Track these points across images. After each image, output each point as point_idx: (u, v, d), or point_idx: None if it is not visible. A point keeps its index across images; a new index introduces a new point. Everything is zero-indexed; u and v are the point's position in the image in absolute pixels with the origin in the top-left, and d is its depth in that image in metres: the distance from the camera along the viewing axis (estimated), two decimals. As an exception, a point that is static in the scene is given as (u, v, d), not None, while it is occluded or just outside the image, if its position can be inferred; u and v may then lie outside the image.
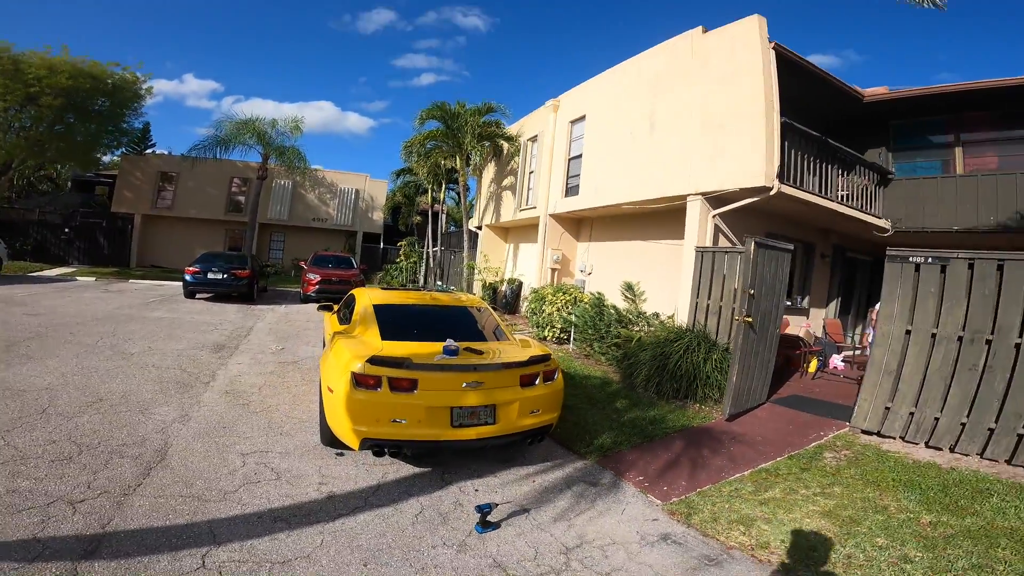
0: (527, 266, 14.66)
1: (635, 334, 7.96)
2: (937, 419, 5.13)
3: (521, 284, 14.54)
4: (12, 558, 2.54)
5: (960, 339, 5.05)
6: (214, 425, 4.65)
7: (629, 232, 10.93)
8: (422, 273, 21.07)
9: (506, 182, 15.62)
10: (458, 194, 18.22)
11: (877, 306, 6.35)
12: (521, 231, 15.75)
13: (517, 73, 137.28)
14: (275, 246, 26.22)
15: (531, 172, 13.88)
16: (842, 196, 8.94)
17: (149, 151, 31.30)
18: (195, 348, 7.69)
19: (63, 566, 2.52)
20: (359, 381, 3.74)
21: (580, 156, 11.51)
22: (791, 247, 6.68)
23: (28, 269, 18.06)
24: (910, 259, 5.40)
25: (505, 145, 15.36)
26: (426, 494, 3.75)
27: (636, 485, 4.28)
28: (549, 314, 10.27)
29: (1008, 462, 4.71)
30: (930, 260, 5.28)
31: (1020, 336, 4.74)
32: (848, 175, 9.05)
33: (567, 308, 10.02)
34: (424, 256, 21.42)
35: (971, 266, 5.04)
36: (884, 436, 5.45)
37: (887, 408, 5.47)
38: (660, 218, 9.67)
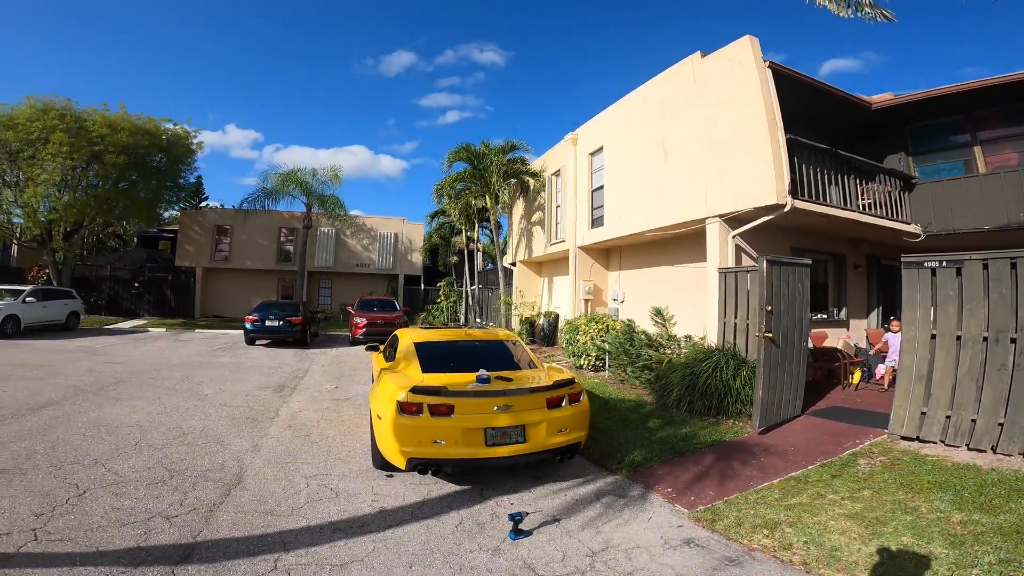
0: (561, 298, 15.04)
1: (665, 356, 8.20)
2: (974, 421, 5.15)
3: (557, 316, 14.89)
4: (121, 563, 3.07)
5: (985, 339, 5.11)
6: (280, 453, 5.24)
7: (656, 258, 11.21)
8: (462, 312, 21.69)
9: (535, 217, 16.20)
10: (491, 231, 18.90)
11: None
12: (554, 264, 16.20)
13: (538, 104, 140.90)
14: (323, 292, 27.57)
15: (557, 206, 14.43)
16: (865, 205, 9.00)
17: (203, 204, 33.23)
18: (259, 389, 8.46)
19: (163, 569, 3.03)
20: (403, 408, 4.24)
21: (602, 187, 11.98)
22: (808, 262, 6.84)
23: (104, 322, 19.77)
24: (925, 264, 5.52)
25: (531, 181, 16.00)
26: (466, 507, 4.14)
27: (664, 496, 4.52)
28: (583, 343, 10.59)
29: None
30: (945, 264, 5.39)
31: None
32: (868, 184, 9.12)
33: (600, 336, 10.32)
34: (463, 295, 22.09)
35: (986, 266, 5.13)
36: (924, 441, 5.47)
37: (923, 413, 5.51)
38: (684, 242, 9.94)
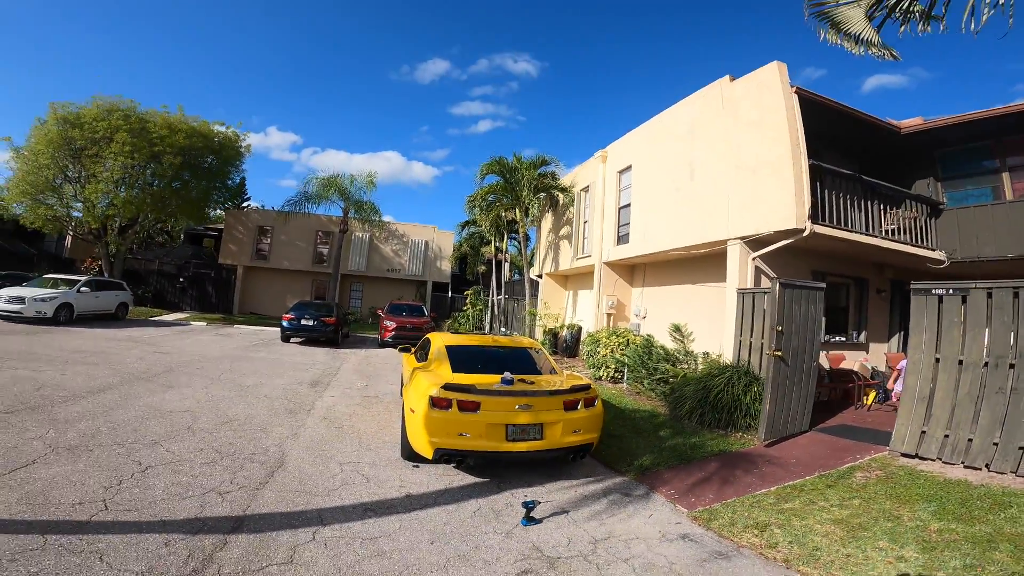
0: (585, 312, 15.37)
1: (680, 371, 8.48)
2: (971, 440, 5.35)
3: (580, 329, 15.20)
4: (181, 531, 3.56)
5: (986, 364, 5.31)
6: (317, 442, 5.77)
7: (679, 276, 11.48)
8: (488, 320, 22.18)
9: (563, 231, 16.60)
10: (519, 243, 19.37)
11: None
12: (579, 278, 16.55)
13: (570, 115, 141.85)
14: (354, 295, 28.48)
15: (585, 221, 14.81)
16: (889, 231, 9.11)
17: (246, 204, 34.46)
18: (295, 383, 9.07)
19: (218, 537, 3.51)
20: (435, 403, 4.71)
21: (629, 205, 12.32)
22: (822, 285, 7.07)
23: (149, 314, 20.91)
24: (933, 291, 5.74)
25: (560, 196, 16.43)
26: (484, 497, 4.56)
27: (667, 497, 4.86)
28: (603, 355, 10.93)
29: None
30: (951, 291, 5.60)
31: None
32: (894, 209, 9.23)
33: (620, 350, 10.65)
34: (489, 304, 22.59)
35: (990, 295, 5.33)
36: (922, 458, 5.68)
37: (923, 432, 5.72)
38: (706, 262, 10.19)
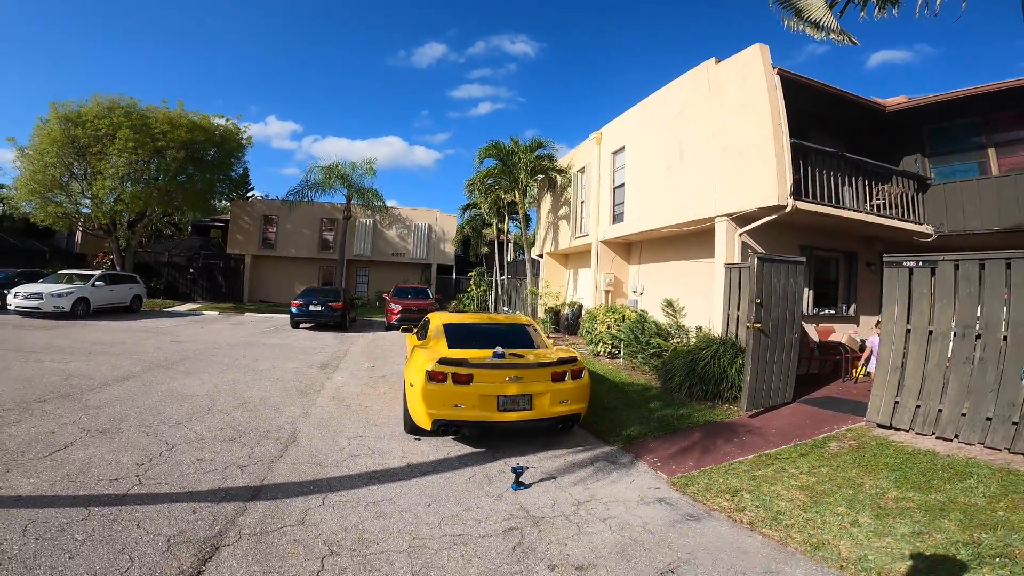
0: (585, 290, 15.72)
1: (671, 345, 8.82)
2: (940, 410, 5.63)
3: (581, 307, 15.56)
4: (207, 500, 3.98)
5: (953, 334, 5.58)
6: (326, 419, 6.21)
7: (673, 253, 11.77)
8: (492, 301, 22.57)
9: (562, 212, 16.86)
10: (520, 224, 19.66)
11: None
12: (579, 257, 16.85)
13: (572, 95, 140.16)
14: (361, 280, 28.96)
15: (582, 201, 15.06)
16: (878, 206, 9.32)
17: (250, 194, 35.01)
18: (306, 366, 9.55)
19: (239, 504, 3.93)
20: (431, 376, 5.10)
21: (623, 185, 12.56)
22: (802, 259, 7.35)
23: (162, 305, 21.52)
24: (904, 264, 6.00)
25: (558, 177, 16.66)
26: (479, 465, 4.97)
27: (650, 464, 5.23)
28: (600, 332, 11.29)
29: (1009, 450, 5.09)
30: (921, 263, 5.86)
31: (1005, 330, 5.24)
32: (882, 185, 9.42)
33: (616, 325, 10.99)
34: (493, 285, 22.96)
35: (957, 267, 5.58)
36: (896, 429, 5.97)
37: (896, 402, 6.01)
38: (697, 239, 10.47)
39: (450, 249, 29.18)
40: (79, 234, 27.85)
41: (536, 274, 18.51)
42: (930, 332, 5.76)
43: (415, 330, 8.05)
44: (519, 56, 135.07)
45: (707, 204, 9.25)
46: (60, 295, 15.17)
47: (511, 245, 23.86)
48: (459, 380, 5.11)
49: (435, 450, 5.31)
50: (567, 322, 15.46)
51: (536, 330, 6.89)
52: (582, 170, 15.11)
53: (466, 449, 5.39)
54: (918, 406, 5.83)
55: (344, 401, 7.15)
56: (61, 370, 7.94)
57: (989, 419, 5.26)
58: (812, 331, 9.87)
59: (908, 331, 5.94)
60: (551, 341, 6.80)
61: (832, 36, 4.62)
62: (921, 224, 9.67)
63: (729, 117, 8.89)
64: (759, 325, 6.64)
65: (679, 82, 10.42)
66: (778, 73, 8.20)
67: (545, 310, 16.71)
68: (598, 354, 11.31)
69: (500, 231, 22.96)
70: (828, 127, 10.19)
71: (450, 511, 3.97)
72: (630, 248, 13.72)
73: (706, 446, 5.71)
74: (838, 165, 8.85)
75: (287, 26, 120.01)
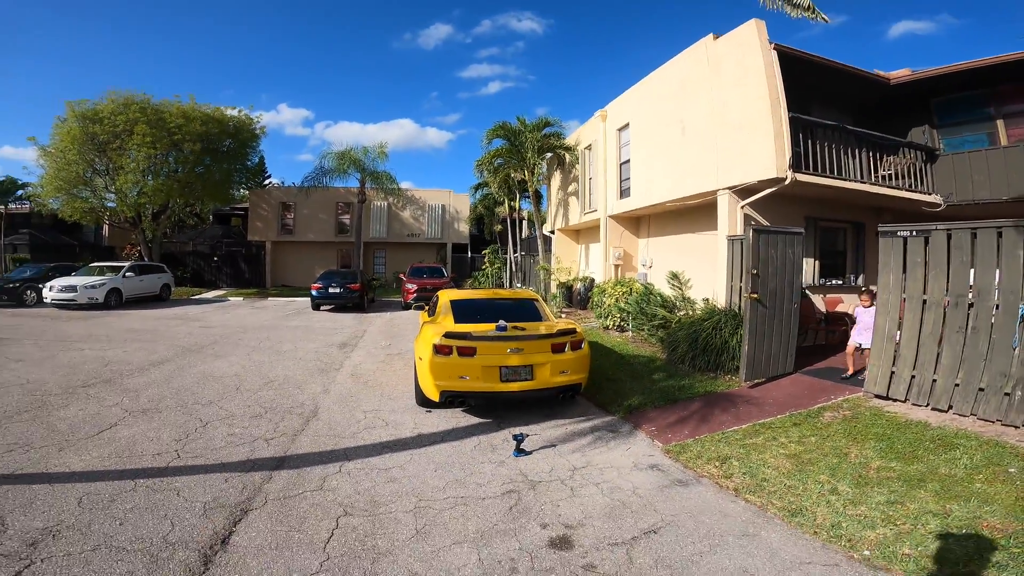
0: (596, 264, 15.87)
1: (676, 316, 9.03)
2: (935, 381, 5.67)
3: (592, 281, 15.70)
4: (238, 470, 4.42)
5: (947, 304, 5.66)
6: (345, 395, 6.66)
7: (679, 226, 11.87)
8: (506, 277, 22.87)
9: (571, 188, 16.94)
10: (532, 202, 19.81)
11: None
12: (589, 232, 16.97)
13: (580, 72, 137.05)
14: (378, 261, 29.49)
15: (590, 178, 15.14)
16: (885, 176, 9.28)
17: (267, 182, 35.75)
18: (326, 346, 10.05)
19: (265, 473, 4.34)
20: (438, 350, 5.46)
21: (628, 161, 12.62)
22: (800, 230, 7.42)
23: (190, 293, 22.36)
24: (898, 233, 6.06)
25: (566, 155, 16.71)
26: (485, 434, 5.33)
27: (647, 433, 5.51)
28: (608, 305, 11.51)
29: (1001, 422, 5.06)
30: (915, 233, 5.91)
31: (996, 298, 5.31)
32: (890, 156, 9.36)
33: (624, 299, 11.21)
34: (507, 262, 23.22)
35: (949, 236, 5.62)
36: (892, 399, 6.02)
37: (892, 372, 6.08)
38: (702, 212, 10.54)
39: (464, 228, 29.43)
40: (106, 227, 28.86)
41: (548, 250, 18.70)
42: (924, 301, 5.83)
43: (426, 308, 8.42)
44: (526, 33, 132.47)
45: (709, 178, 9.32)
46: (94, 287, 15.91)
47: (524, 223, 24.04)
48: (463, 352, 5.43)
49: (444, 421, 5.69)
50: (579, 296, 15.68)
51: (541, 304, 7.15)
52: (589, 147, 15.15)
53: (473, 420, 5.76)
54: (913, 376, 5.86)
55: (361, 378, 7.59)
56: (101, 357, 8.53)
57: (982, 390, 5.25)
58: (819, 302, 9.95)
59: (903, 300, 6.04)
60: (557, 314, 7.07)
61: (807, 14, 4.71)
62: (930, 194, 9.59)
63: (728, 92, 8.91)
64: (756, 295, 6.80)
65: (679, 58, 10.41)
66: (775, 48, 8.18)
67: (557, 285, 16.96)
68: (607, 327, 11.56)
69: (512, 209, 23.10)
70: (834, 102, 10.13)
71: (455, 476, 4.33)
72: (639, 222, 13.82)
73: (704, 415, 5.92)
74: (840, 137, 8.82)
75: (292, 14, 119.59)
